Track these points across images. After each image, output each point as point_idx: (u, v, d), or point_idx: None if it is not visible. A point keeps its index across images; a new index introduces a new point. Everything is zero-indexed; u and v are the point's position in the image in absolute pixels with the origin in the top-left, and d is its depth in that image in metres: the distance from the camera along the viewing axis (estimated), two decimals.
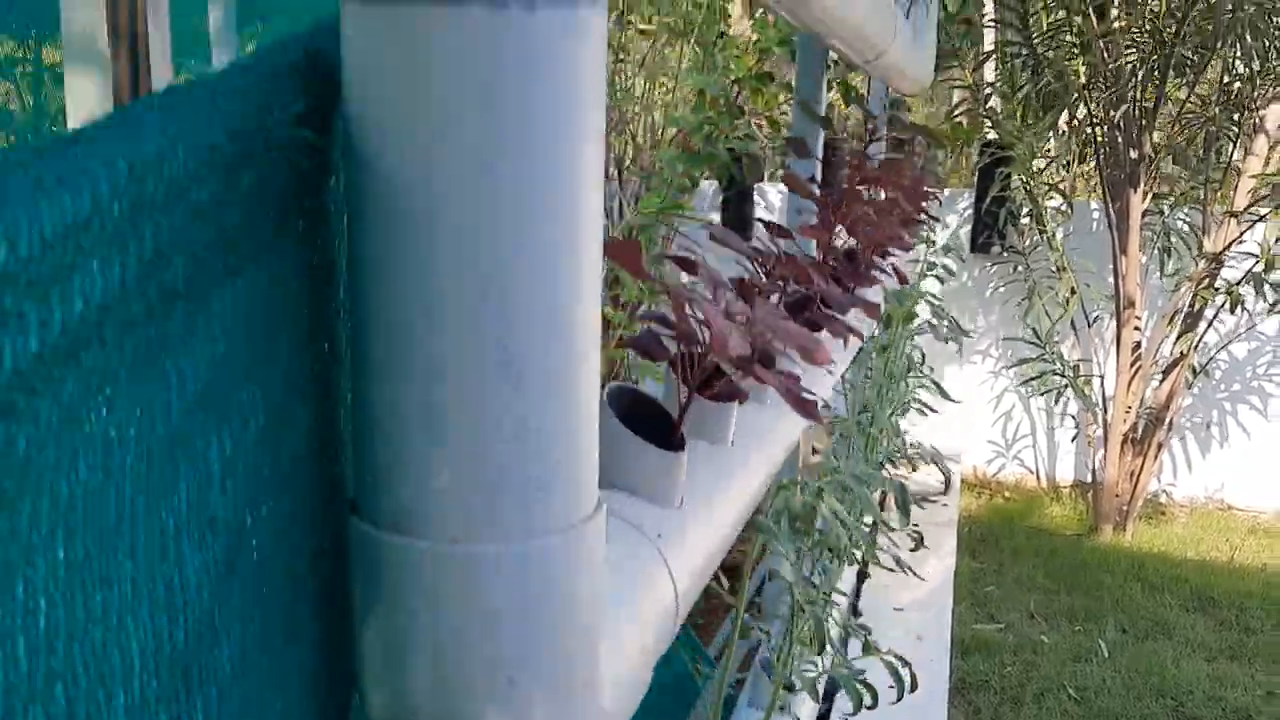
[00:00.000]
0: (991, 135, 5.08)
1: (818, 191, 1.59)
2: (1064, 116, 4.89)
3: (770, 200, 6.07)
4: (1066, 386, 4.85)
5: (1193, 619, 4.08)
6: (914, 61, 2.83)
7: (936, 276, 3.15)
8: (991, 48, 5.11)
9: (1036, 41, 4.72)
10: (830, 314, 1.49)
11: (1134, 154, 4.42)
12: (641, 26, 4.29)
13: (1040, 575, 4.46)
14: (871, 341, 2.61)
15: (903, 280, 2.02)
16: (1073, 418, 5.31)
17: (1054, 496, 5.54)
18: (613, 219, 4.76)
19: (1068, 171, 5.06)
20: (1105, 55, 4.39)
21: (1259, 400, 5.26)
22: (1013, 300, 5.37)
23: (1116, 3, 4.45)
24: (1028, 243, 5.19)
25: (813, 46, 2.00)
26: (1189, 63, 4.46)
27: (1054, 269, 4.98)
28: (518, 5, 0.46)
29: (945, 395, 3.13)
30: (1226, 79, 4.57)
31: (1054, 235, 4.97)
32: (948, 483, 4.55)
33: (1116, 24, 4.37)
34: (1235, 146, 4.72)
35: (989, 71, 5.20)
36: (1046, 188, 5.05)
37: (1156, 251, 4.85)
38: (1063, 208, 5.11)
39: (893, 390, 2.81)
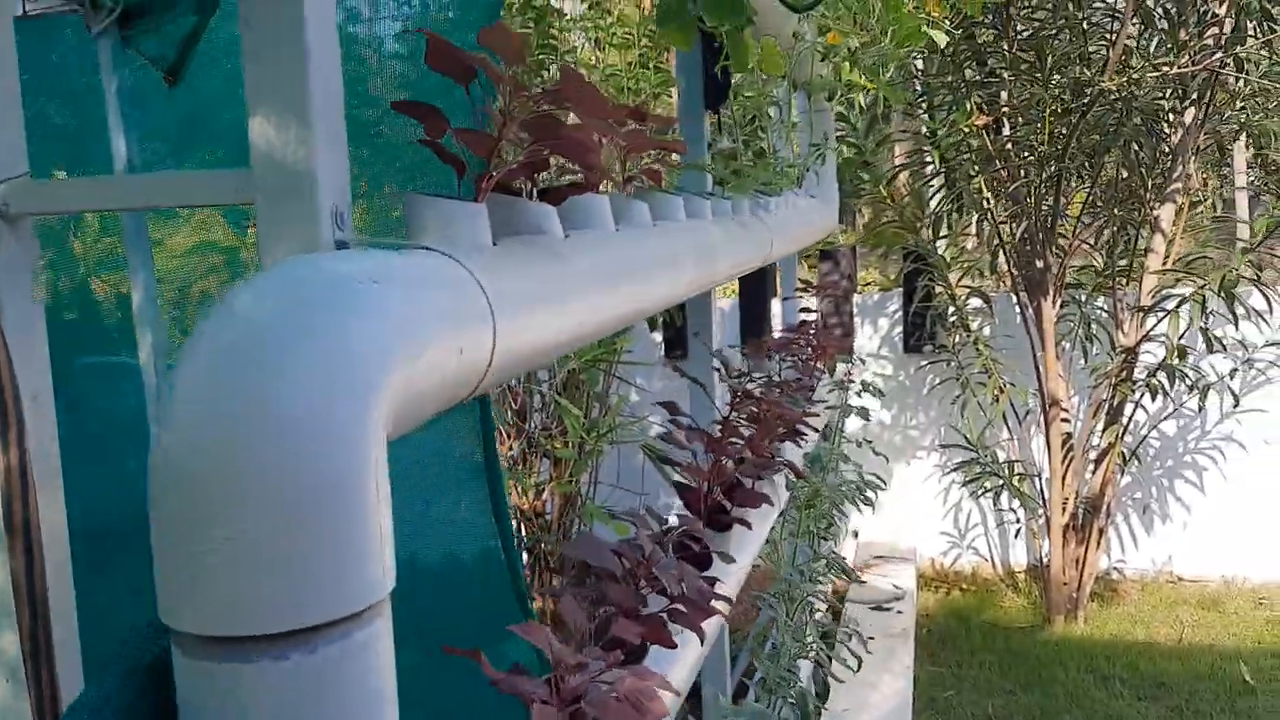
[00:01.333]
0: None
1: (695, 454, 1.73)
2: (976, 226, 5.12)
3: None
4: (1003, 486, 5.01)
5: (1145, 708, 4.20)
6: (809, 231, 3.01)
7: (859, 413, 3.29)
8: (901, 161, 5.37)
9: (946, 156, 4.97)
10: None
11: (1039, 263, 4.64)
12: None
13: (997, 675, 4.57)
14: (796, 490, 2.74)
15: (798, 475, 2.17)
16: (1013, 511, 5.46)
17: (1010, 583, 5.67)
18: (551, 365, 4.91)
19: (984, 277, 5.28)
20: (1004, 172, 4.63)
21: (1194, 474, 5.44)
22: (949, 396, 5.55)
23: (1009, 121, 4.71)
24: (955, 340, 5.38)
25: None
26: (1083, 169, 4.72)
27: (981, 369, 5.17)
28: (298, 653, 0.60)
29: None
30: (1122, 177, 4.83)
31: (977, 337, 5.17)
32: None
33: (1010, 142, 4.62)
34: (1137, 238, 4.96)
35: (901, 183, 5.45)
36: (966, 291, 5.26)
37: (1079, 340, 5.06)
38: (984, 307, 5.32)
39: (814, 533, 2.92)
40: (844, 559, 2.90)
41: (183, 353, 0.66)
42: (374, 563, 0.66)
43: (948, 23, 4.64)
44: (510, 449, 4.92)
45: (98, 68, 2.12)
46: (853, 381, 3.54)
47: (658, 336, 6.11)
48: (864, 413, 3.30)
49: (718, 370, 1.91)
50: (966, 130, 4.55)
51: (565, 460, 4.75)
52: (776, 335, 3.08)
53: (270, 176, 0.85)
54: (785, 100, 3.51)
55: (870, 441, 3.67)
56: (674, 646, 1.29)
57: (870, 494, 3.18)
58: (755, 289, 4.82)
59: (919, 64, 4.87)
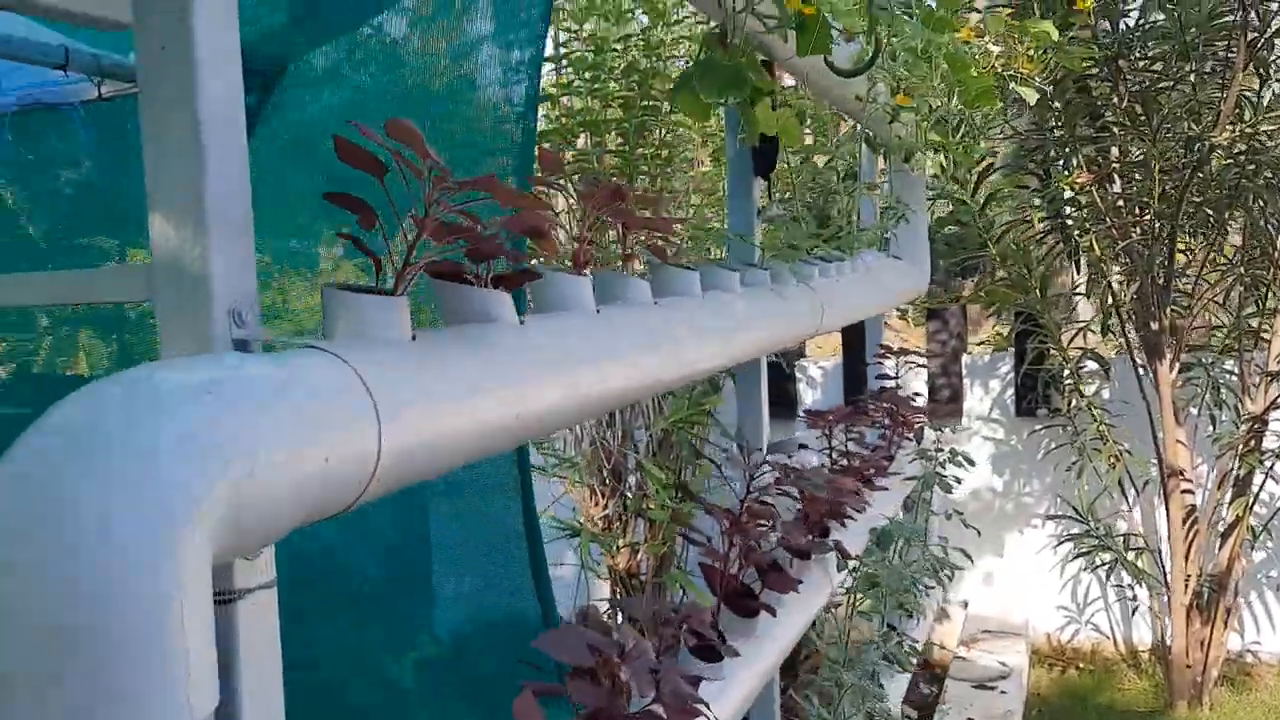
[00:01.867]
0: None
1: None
2: (1087, 286, 4.91)
3: (811, 375, 6.15)
4: (1118, 560, 4.74)
5: None
6: (882, 295, 2.92)
7: (944, 486, 3.16)
8: (1009, 220, 5.19)
9: (1059, 213, 4.78)
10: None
11: (1154, 325, 4.40)
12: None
13: None
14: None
15: (845, 557, 2.07)
16: (1130, 588, 5.15)
17: (1132, 662, 5.34)
18: (648, 417, 4.89)
19: (1099, 338, 5.04)
20: (1115, 230, 4.43)
21: None
22: (1064, 462, 5.29)
23: (1121, 177, 4.52)
24: (1070, 405, 5.13)
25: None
26: (1205, 225, 4.47)
27: (1097, 435, 4.92)
28: None
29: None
30: (1250, 234, 4.55)
31: (1090, 401, 4.92)
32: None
33: (1121, 199, 4.42)
34: (1267, 296, 4.67)
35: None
36: (1080, 352, 5.03)
37: (1204, 405, 4.77)
38: (1099, 370, 5.08)
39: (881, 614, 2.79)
40: (914, 641, 2.76)
41: (4, 458, 0.65)
42: (169, 699, 0.63)
43: (1055, 77, 4.49)
44: (605, 509, 4.90)
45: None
46: (941, 449, 3.39)
47: None
48: (945, 485, 3.16)
49: (729, 452, 1.84)
50: (1070, 187, 4.37)
51: (659, 521, 4.70)
52: (837, 407, 2.98)
53: (166, 276, 0.85)
54: (864, 163, 3.44)
55: (961, 513, 3.50)
56: None
57: (948, 572, 3.03)
58: (855, 351, 4.71)
59: (1019, 122, 4.72)
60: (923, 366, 5.95)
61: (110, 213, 2.36)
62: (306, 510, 0.77)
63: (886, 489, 2.70)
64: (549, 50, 4.47)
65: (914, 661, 2.84)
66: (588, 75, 4.44)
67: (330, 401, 0.79)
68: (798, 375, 6.13)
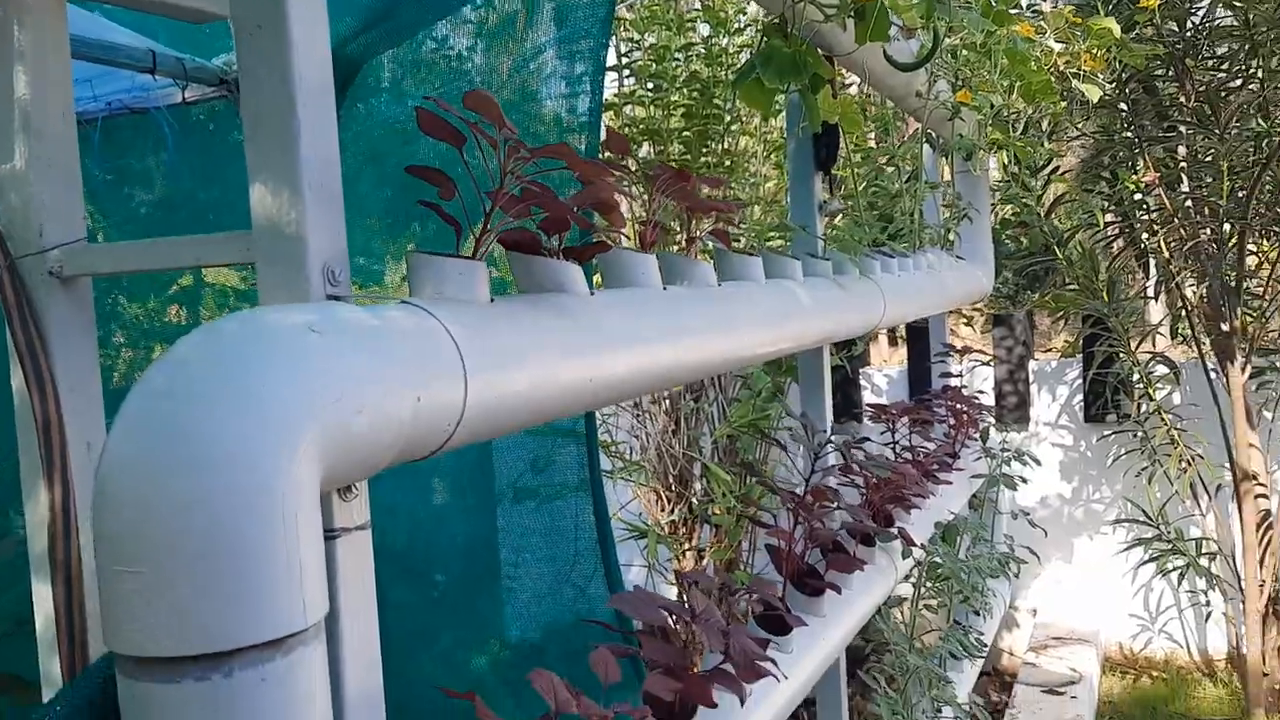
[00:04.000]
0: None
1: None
2: (1155, 288, 4.86)
3: (876, 383, 6.14)
4: (1189, 565, 4.66)
5: None
6: (944, 293, 2.94)
7: (1008, 484, 3.16)
8: (1074, 224, 5.15)
9: (1128, 214, 4.74)
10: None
11: (1225, 327, 4.35)
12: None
13: None
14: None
15: (909, 543, 2.10)
16: (1203, 593, 5.06)
17: (1207, 671, 5.24)
18: (713, 423, 4.93)
19: (1169, 341, 4.98)
20: (1183, 230, 4.39)
21: None
22: (1134, 468, 5.23)
23: (1189, 177, 4.47)
24: (1140, 410, 5.07)
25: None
26: (1277, 226, 4.41)
27: (1167, 440, 4.85)
28: (217, 674, 0.64)
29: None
30: None
31: (1159, 406, 4.86)
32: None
33: (1189, 199, 4.38)
34: None
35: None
36: (1149, 356, 4.97)
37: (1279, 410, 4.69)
38: (1169, 374, 5.01)
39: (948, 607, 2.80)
40: (980, 635, 2.76)
41: (131, 390, 0.72)
42: (285, 595, 0.69)
43: (1120, 77, 4.47)
44: (671, 514, 4.94)
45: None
46: (1007, 448, 3.39)
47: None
48: (1010, 482, 3.16)
49: (793, 430, 1.88)
50: (1135, 187, 4.34)
51: (725, 526, 4.73)
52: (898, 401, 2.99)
53: (267, 240, 0.92)
54: (928, 163, 3.46)
55: (1027, 514, 3.49)
56: (713, 706, 1.27)
57: (1014, 569, 3.02)
58: (919, 350, 4.71)
59: (1088, 125, 4.70)
60: (987, 365, 5.93)
61: (192, 215, 2.48)
62: (400, 445, 0.83)
63: (950, 484, 2.71)
64: (611, 60, 4.55)
65: (982, 654, 2.84)
66: (650, 85, 4.51)
67: (421, 346, 0.85)
68: (862, 382, 6.13)
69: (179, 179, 2.42)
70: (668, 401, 4.90)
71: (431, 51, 2.26)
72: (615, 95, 4.63)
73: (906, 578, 2.45)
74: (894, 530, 2.16)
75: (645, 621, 1.29)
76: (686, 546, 4.95)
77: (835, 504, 1.87)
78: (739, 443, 4.60)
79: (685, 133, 4.56)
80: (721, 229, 1.50)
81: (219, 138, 2.39)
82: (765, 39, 1.54)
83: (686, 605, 1.36)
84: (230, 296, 2.35)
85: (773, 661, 1.34)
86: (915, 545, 2.14)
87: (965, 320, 6.35)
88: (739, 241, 3.66)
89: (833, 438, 1.98)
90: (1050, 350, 7.00)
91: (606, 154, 1.29)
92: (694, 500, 4.83)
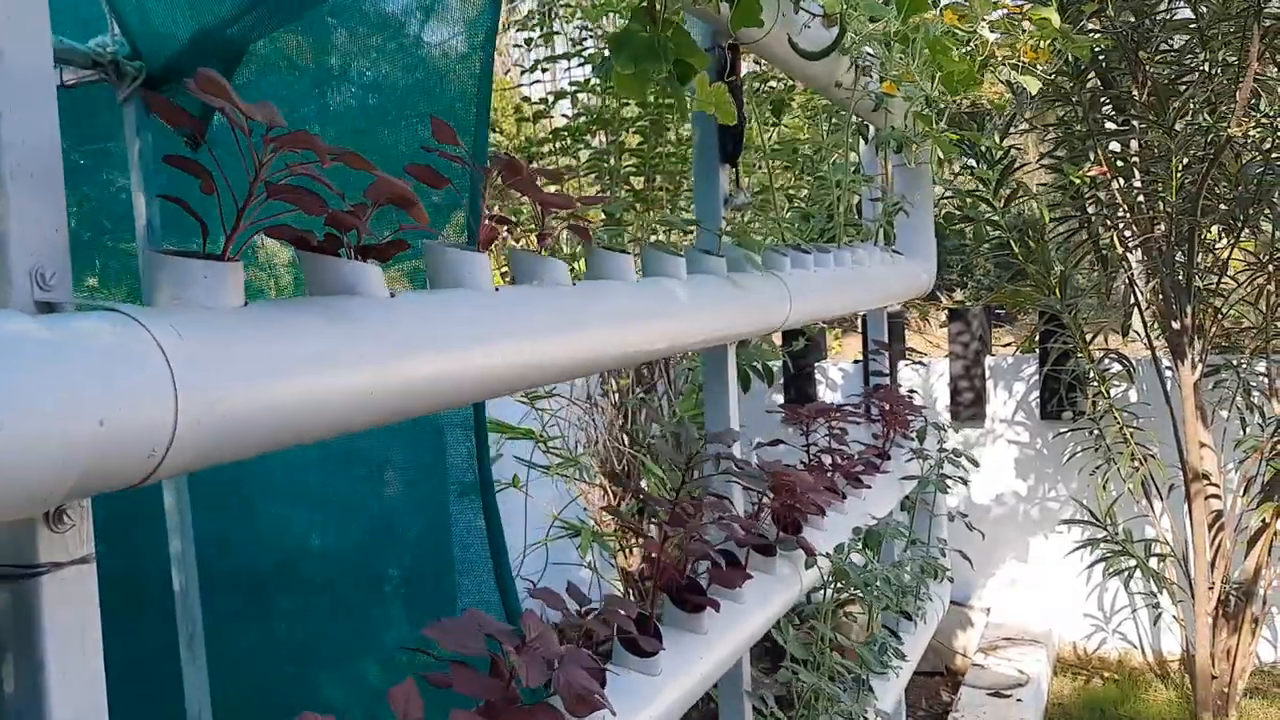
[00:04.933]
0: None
1: None
2: (1107, 284, 4.78)
3: (831, 377, 6.05)
4: (1138, 567, 4.60)
5: None
6: (868, 290, 2.84)
7: (941, 487, 3.07)
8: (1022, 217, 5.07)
9: (1084, 208, 4.66)
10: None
11: (1176, 325, 4.27)
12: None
13: None
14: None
15: (809, 552, 2.00)
16: (1152, 595, 5.00)
17: (1160, 673, 5.18)
18: (662, 416, 4.83)
19: (1121, 339, 4.91)
20: (1135, 225, 4.31)
21: None
22: (1089, 467, 5.15)
23: (1140, 171, 4.39)
24: (1096, 407, 4.99)
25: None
26: (1231, 222, 4.33)
27: (1120, 438, 4.78)
28: None
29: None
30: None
31: (1112, 404, 4.79)
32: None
33: (1140, 194, 4.30)
34: None
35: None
36: (1103, 354, 4.90)
37: (1236, 409, 4.61)
38: (1124, 371, 4.94)
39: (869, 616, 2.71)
40: (898, 644, 2.67)
41: None
42: None
43: (1077, 69, 4.38)
44: (620, 506, 4.84)
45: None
46: (944, 449, 3.30)
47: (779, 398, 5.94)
48: (942, 485, 3.07)
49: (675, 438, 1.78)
50: (1079, 181, 4.25)
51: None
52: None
53: None
54: (866, 155, 3.37)
55: (965, 516, 3.41)
56: None
57: (949, 575, 2.94)
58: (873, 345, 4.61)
59: (1034, 114, 4.61)
60: (919, 365, 5.85)
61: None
62: (79, 475, 0.73)
63: (870, 488, 2.62)
64: (565, 48, 4.43)
65: (903, 662, 2.75)
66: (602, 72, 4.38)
67: (111, 362, 0.75)
68: (818, 377, 6.04)
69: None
70: (616, 395, 4.80)
71: (319, 29, 2.15)
72: (570, 84, 4.51)
73: (820, 588, 2.36)
74: (794, 539, 2.06)
75: (465, 652, 1.19)
76: (633, 544, 4.85)
77: (717, 515, 1.77)
78: (680, 437, 4.50)
79: (640, 121, 4.44)
80: (580, 224, 1.41)
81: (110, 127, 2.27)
82: (631, 23, 1.43)
83: (515, 629, 1.26)
84: None
85: (601, 694, 1.24)
86: (814, 555, 2.04)
87: (920, 313, 6.27)
88: (664, 238, 3.56)
89: (712, 445, 1.88)
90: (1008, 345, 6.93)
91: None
92: (640, 496, 4.73)
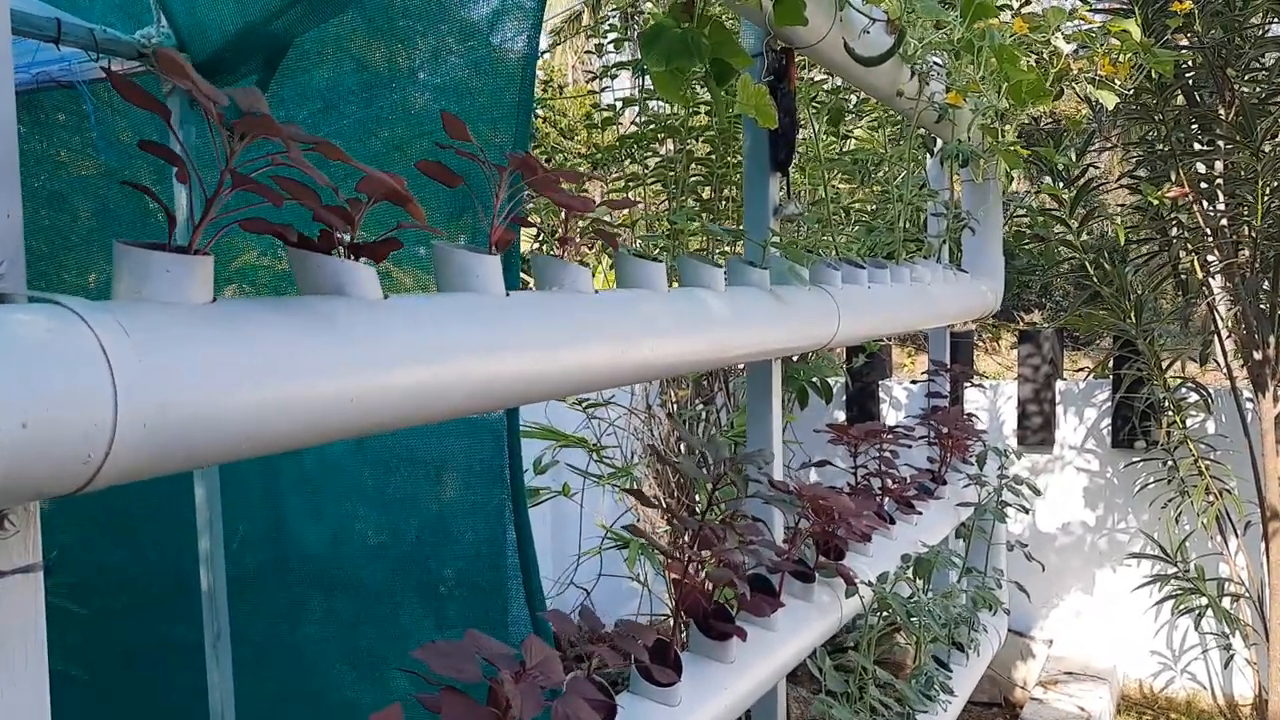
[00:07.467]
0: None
1: None
2: (1188, 309, 4.58)
3: (896, 395, 5.90)
4: (1208, 607, 4.39)
5: None
6: (926, 308, 2.73)
7: (999, 515, 2.94)
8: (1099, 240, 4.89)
9: (1166, 230, 4.47)
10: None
11: (1258, 355, 4.07)
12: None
13: None
14: None
15: (849, 581, 1.90)
16: (1224, 636, 4.77)
17: (1231, 717, 4.95)
18: (720, 427, 4.73)
19: (1199, 367, 4.70)
20: (1217, 250, 4.12)
21: None
22: (1160, 499, 4.95)
23: (1224, 194, 4.20)
24: (1170, 438, 4.79)
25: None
26: None
27: (1194, 470, 4.58)
28: None
29: None
30: None
31: (1187, 435, 4.59)
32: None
33: (1224, 218, 4.11)
34: None
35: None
36: (1179, 382, 4.69)
37: None
38: (1199, 402, 4.73)
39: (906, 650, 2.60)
40: (948, 677, 2.54)
41: None
42: None
43: (1160, 85, 4.20)
44: (670, 521, 4.75)
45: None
46: (1005, 476, 3.16)
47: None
48: (1000, 514, 2.94)
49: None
50: (1159, 202, 4.08)
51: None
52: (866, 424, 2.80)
53: None
54: (935, 168, 3.25)
55: (1024, 545, 3.26)
56: None
57: (1004, 607, 2.81)
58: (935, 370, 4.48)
59: (1116, 131, 4.43)
60: (981, 386, 5.67)
61: (113, 191, 2.36)
62: (11, 480, 0.68)
63: (922, 513, 2.51)
64: (633, 55, 4.37)
65: (951, 697, 2.63)
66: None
67: (36, 362, 0.69)
68: (882, 395, 5.90)
69: (102, 155, 2.30)
70: (674, 405, 4.72)
71: (355, 29, 2.11)
72: (640, 91, 4.44)
73: (862, 616, 2.26)
74: (834, 565, 1.97)
75: (459, 678, 1.13)
76: (686, 556, 4.76)
77: (748, 538, 1.68)
78: (710, 456, 4.40)
79: (708, 130, 4.36)
80: (608, 231, 1.33)
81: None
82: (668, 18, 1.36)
83: (516, 654, 1.19)
84: None
85: None
86: (853, 583, 1.94)
87: (992, 334, 6.09)
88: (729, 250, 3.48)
89: (753, 464, 1.79)
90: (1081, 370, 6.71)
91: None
92: (668, 514, 4.63)
